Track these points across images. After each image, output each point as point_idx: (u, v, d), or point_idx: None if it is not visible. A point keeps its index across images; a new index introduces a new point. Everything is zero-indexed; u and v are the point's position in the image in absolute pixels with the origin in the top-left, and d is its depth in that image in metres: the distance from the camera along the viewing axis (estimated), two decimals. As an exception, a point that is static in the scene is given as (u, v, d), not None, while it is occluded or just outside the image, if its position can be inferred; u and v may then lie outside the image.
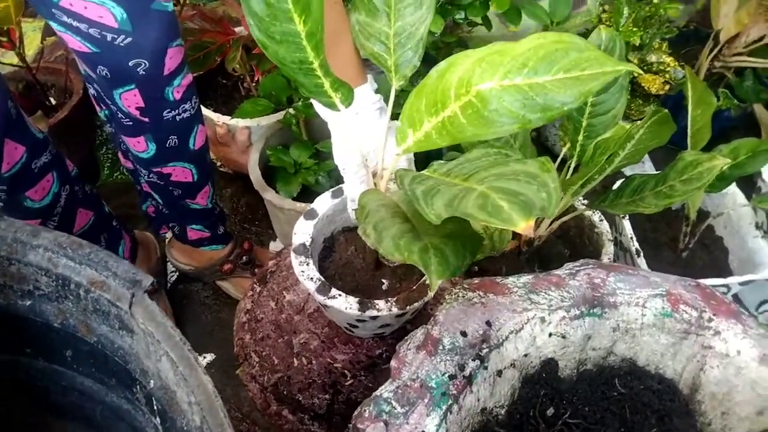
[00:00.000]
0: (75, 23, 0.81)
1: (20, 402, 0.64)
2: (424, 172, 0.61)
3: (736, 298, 1.33)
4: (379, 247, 0.56)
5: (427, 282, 0.79)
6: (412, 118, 0.59)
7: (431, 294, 0.53)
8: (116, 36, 0.82)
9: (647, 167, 1.57)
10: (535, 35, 0.54)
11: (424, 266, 0.54)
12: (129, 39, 0.83)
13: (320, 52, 0.66)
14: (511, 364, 0.64)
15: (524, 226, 0.44)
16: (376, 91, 0.80)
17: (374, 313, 0.76)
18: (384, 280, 0.83)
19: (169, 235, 1.36)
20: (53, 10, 0.80)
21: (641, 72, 0.63)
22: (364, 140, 0.77)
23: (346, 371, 0.92)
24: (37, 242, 0.54)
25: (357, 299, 0.76)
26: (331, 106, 0.70)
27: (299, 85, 0.69)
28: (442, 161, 0.62)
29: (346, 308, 0.76)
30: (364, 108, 0.77)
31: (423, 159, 0.93)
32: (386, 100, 0.75)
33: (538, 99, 0.53)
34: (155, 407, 0.53)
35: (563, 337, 0.65)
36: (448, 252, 0.56)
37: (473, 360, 0.60)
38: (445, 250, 0.56)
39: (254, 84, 1.48)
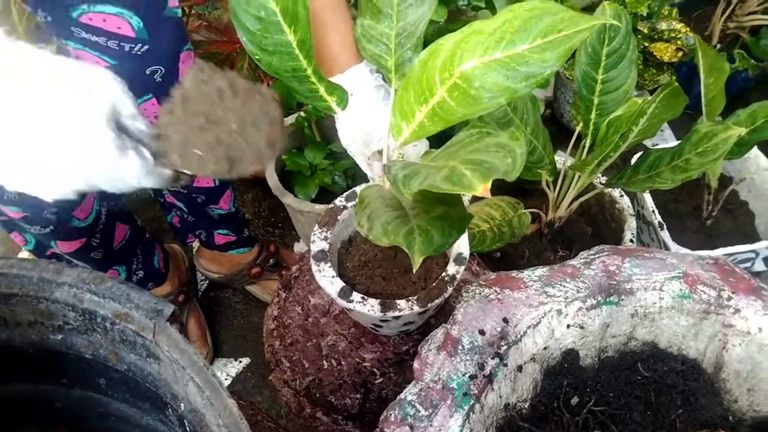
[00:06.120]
0: (93, 38, 0.83)
1: (60, 429, 0.67)
2: (417, 160, 0.62)
3: (766, 261, 1.31)
4: (370, 235, 0.58)
5: (443, 274, 0.80)
6: (404, 110, 0.61)
7: (416, 267, 0.56)
8: (134, 45, 0.84)
9: (666, 135, 1.55)
10: (509, 7, 0.55)
11: (407, 246, 0.56)
12: (146, 47, 0.85)
13: (312, 60, 0.68)
14: (531, 359, 0.64)
15: (481, 189, 0.46)
16: (376, 71, 0.81)
17: (396, 313, 0.77)
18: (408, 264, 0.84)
19: (196, 243, 1.39)
20: (72, 27, 0.82)
21: (616, 23, 0.63)
22: (366, 119, 0.78)
23: (375, 370, 0.93)
24: (62, 279, 0.56)
25: (378, 300, 0.77)
26: (328, 109, 0.72)
27: (294, 92, 0.71)
28: (432, 149, 0.63)
29: (368, 310, 0.77)
30: (359, 88, 0.78)
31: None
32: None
33: (520, 68, 0.54)
34: (188, 428, 0.55)
35: (581, 327, 0.65)
36: (434, 232, 0.59)
37: (492, 358, 0.61)
38: (430, 230, 0.59)
39: (264, 89, 1.49)
